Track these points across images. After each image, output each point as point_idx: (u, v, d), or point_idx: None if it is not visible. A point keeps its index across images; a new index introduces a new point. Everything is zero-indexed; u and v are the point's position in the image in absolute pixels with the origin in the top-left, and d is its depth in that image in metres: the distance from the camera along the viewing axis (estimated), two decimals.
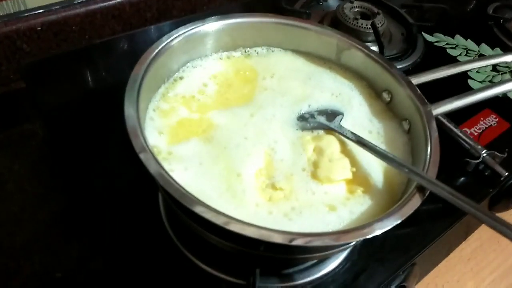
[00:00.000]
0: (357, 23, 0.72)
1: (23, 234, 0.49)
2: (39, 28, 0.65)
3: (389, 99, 0.49)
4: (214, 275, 0.45)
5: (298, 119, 0.47)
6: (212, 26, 0.48)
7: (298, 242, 0.32)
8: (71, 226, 0.50)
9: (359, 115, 0.48)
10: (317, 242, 0.33)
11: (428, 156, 0.40)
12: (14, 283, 0.46)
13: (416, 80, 0.48)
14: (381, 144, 0.46)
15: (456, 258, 0.65)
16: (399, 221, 0.35)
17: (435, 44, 0.80)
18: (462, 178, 0.58)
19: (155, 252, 0.46)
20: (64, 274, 0.46)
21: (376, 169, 0.44)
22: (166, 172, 0.34)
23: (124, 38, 0.70)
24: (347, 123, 0.47)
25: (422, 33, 0.81)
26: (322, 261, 0.46)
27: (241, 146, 0.43)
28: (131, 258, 0.45)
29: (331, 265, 0.46)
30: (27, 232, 0.50)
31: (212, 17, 0.48)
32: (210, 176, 0.40)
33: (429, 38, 0.81)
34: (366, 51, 0.49)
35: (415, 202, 0.36)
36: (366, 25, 0.72)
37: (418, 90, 0.46)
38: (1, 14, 0.62)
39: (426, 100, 0.45)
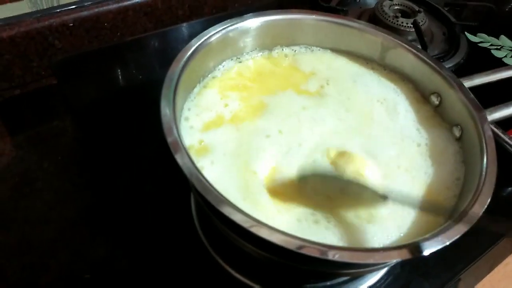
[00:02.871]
0: (397, 21, 0.69)
1: (51, 231, 0.49)
2: (71, 25, 0.64)
3: (438, 102, 0.46)
4: (244, 282, 0.43)
5: None
6: (250, 23, 0.46)
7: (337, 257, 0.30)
8: (99, 225, 0.49)
9: (406, 124, 0.45)
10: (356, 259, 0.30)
11: (485, 166, 0.37)
12: (42, 282, 0.45)
13: (469, 82, 0.45)
14: (428, 158, 0.43)
15: (500, 274, 0.61)
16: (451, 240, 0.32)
17: (479, 45, 0.76)
18: (510, 188, 0.55)
19: (184, 254, 0.45)
20: (91, 274, 0.45)
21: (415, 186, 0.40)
22: (203, 176, 0.32)
23: (156, 35, 0.70)
24: (395, 135, 0.44)
25: (465, 33, 0.77)
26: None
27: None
28: (158, 259, 0.44)
29: (372, 279, 0.43)
30: (55, 229, 0.49)
31: (250, 14, 0.46)
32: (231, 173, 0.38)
33: (472, 38, 0.77)
34: (414, 50, 0.46)
35: (470, 219, 0.33)
36: (407, 23, 0.69)
37: (471, 93, 0.43)
38: (34, 10, 0.62)
39: (480, 105, 0.42)
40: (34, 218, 0.50)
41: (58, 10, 0.63)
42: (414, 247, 0.30)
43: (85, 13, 0.64)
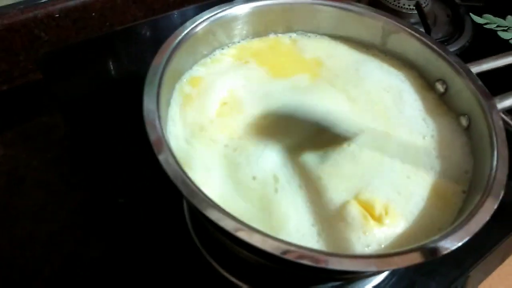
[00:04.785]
0: (399, 3, 0.66)
1: (42, 233, 0.47)
2: (57, 15, 0.61)
3: (443, 90, 0.43)
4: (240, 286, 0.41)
5: None
6: (240, 9, 0.43)
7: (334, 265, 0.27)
8: (92, 225, 0.48)
9: (413, 114, 0.42)
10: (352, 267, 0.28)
11: (495, 160, 0.34)
12: (35, 285, 0.44)
13: (476, 68, 0.42)
14: (433, 151, 0.40)
15: (509, 266, 0.59)
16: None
17: (485, 26, 0.73)
18: None
19: (176, 255, 0.43)
20: (83, 275, 0.44)
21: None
22: (188, 177, 0.30)
23: (147, 24, 0.67)
24: (404, 129, 0.41)
25: (470, 14, 0.73)
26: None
27: None
28: (151, 260, 0.43)
29: (376, 280, 0.41)
30: (46, 231, 0.47)
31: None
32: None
33: (477, 19, 0.73)
34: (417, 35, 0.43)
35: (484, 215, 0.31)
36: (409, 5, 0.66)
37: (479, 80, 0.40)
38: (17, 1, 0.59)
39: (489, 92, 0.39)
40: (24, 219, 0.48)
41: (42, 1, 0.60)
42: (428, 250, 0.28)
43: (71, 3, 0.61)
